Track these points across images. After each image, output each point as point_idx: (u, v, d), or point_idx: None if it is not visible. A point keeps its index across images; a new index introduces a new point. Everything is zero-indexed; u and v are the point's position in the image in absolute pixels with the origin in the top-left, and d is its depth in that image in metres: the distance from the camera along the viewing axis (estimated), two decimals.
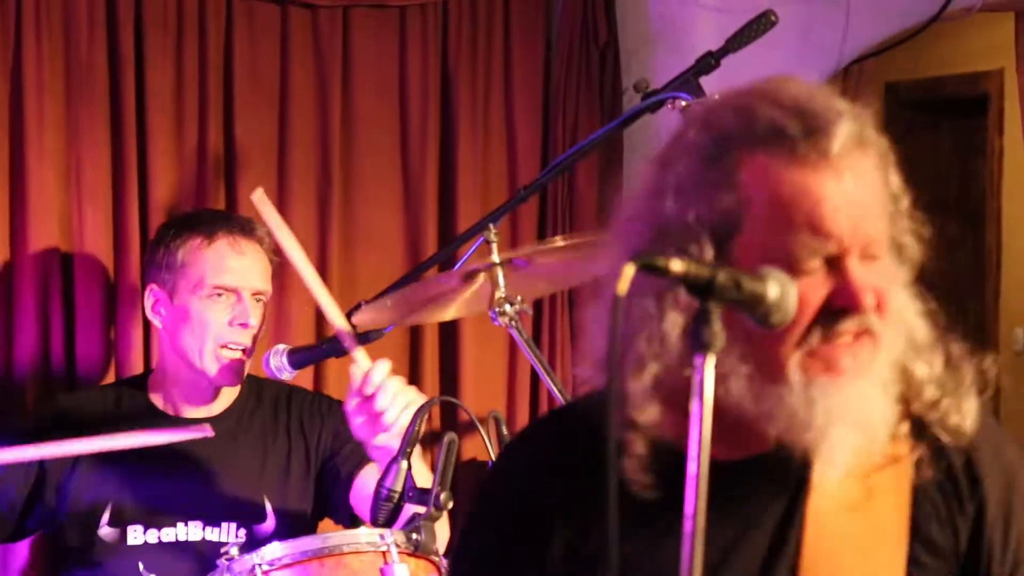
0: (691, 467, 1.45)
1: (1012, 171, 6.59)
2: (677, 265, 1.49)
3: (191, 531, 3.17)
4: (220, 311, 3.17)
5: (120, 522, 3.15)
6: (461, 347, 4.08)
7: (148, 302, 3.25)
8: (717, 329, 1.48)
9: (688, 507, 1.45)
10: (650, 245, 1.63)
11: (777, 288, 1.54)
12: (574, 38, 4.18)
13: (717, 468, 1.48)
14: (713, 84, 3.19)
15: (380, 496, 2.72)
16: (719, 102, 1.69)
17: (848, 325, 1.61)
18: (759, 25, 3.21)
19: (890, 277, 1.66)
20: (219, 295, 3.17)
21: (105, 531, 3.15)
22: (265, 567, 2.61)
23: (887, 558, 1.71)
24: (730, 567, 1.70)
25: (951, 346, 1.73)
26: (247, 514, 3.21)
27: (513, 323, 2.94)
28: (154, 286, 3.23)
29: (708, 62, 3.21)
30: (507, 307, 2.95)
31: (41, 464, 3.16)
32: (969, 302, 6.14)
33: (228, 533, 3.17)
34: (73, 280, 3.56)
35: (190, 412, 3.26)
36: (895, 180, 1.68)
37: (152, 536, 3.15)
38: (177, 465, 3.20)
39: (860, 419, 1.63)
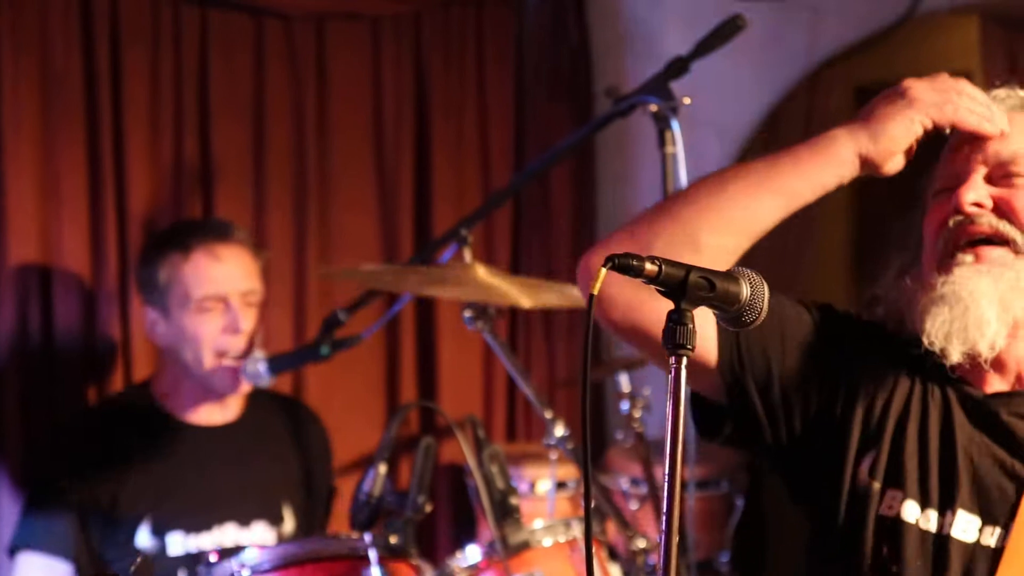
0: (667, 465, 1.48)
1: None
2: (650, 265, 1.52)
3: (226, 534, 3.19)
4: (212, 321, 3.18)
5: (160, 531, 3.16)
6: (438, 352, 4.10)
7: (146, 324, 3.26)
8: (692, 328, 1.51)
9: (666, 503, 1.47)
10: None
11: (748, 288, 1.56)
12: (545, 44, 4.21)
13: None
14: (684, 88, 3.22)
15: (359, 500, 2.74)
16: None
17: (962, 236, 1.94)
18: (728, 29, 3.21)
19: None
20: (208, 307, 3.18)
21: (145, 541, 3.16)
22: (246, 572, 2.63)
23: None
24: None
25: None
26: (272, 515, 3.25)
27: (487, 328, 2.94)
28: (148, 308, 3.24)
29: (678, 66, 3.23)
30: (481, 311, 2.95)
31: (91, 493, 3.16)
32: None
33: (259, 533, 3.20)
34: (52, 290, 3.56)
35: (200, 419, 3.28)
36: None
37: (192, 542, 3.16)
38: (205, 470, 3.22)
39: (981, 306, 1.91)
